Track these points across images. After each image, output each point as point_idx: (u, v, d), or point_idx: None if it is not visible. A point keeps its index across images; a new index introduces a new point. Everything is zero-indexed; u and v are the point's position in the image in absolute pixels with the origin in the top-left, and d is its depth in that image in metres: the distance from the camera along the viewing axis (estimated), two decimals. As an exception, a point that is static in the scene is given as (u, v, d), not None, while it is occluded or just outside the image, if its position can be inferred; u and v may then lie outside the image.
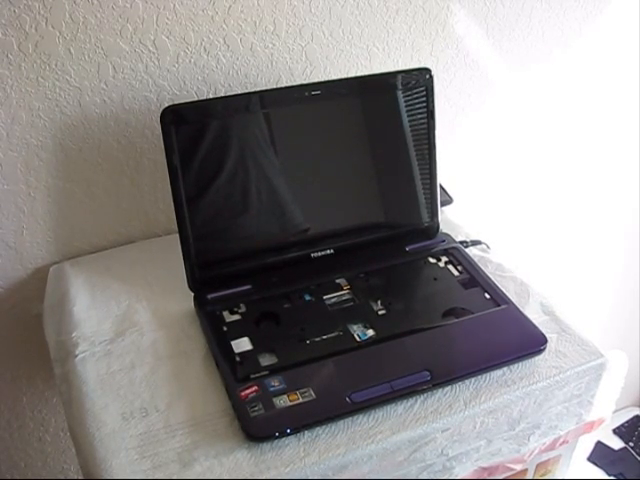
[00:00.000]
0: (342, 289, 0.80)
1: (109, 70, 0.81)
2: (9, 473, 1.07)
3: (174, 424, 0.65)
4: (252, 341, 0.73)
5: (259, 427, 0.63)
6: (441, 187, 0.91)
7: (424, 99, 0.83)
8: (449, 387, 0.69)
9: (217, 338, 0.73)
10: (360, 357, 0.71)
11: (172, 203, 0.76)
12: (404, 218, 0.88)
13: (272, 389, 0.66)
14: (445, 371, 0.69)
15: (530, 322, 0.75)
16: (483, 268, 0.83)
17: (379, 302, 0.78)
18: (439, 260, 0.85)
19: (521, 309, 0.77)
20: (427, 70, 0.83)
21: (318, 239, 0.84)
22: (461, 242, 0.88)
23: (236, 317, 0.76)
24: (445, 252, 0.86)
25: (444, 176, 0.89)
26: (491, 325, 0.75)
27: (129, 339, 0.75)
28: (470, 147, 1.13)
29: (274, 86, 0.90)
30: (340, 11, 0.89)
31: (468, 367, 0.70)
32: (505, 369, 0.71)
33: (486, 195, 1.21)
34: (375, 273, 0.83)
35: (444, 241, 0.87)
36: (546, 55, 1.09)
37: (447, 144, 1.00)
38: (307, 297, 0.79)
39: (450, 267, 0.84)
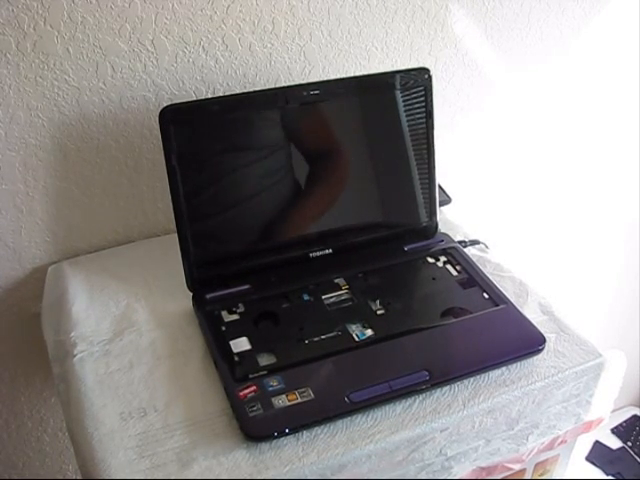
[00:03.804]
0: (341, 289, 0.80)
1: (107, 69, 0.81)
2: (7, 473, 1.07)
3: (173, 424, 0.65)
4: (251, 341, 0.73)
5: (258, 427, 0.63)
6: (439, 187, 0.91)
7: (423, 99, 0.83)
8: (448, 387, 0.69)
9: (216, 338, 0.73)
10: (359, 357, 0.71)
11: (171, 203, 0.76)
12: (403, 218, 0.88)
13: (271, 389, 0.66)
14: (444, 371, 0.69)
15: (529, 322, 0.75)
16: (482, 268, 0.83)
17: (378, 302, 0.78)
18: (438, 260, 0.85)
19: (520, 309, 0.77)
20: (426, 70, 0.83)
21: (317, 239, 0.84)
22: (460, 242, 0.88)
23: (235, 317, 0.76)
24: (444, 252, 0.86)
25: (442, 176, 0.89)
26: (490, 325, 0.75)
27: (127, 339, 0.75)
28: (469, 147, 1.13)
29: (273, 86, 0.90)
30: (339, 11, 0.89)
31: (467, 367, 0.70)
32: (504, 369, 0.71)
33: (485, 195, 1.21)
34: (374, 273, 0.83)
35: (443, 241, 0.87)
36: (545, 55, 1.09)
37: (446, 144, 1.00)
38: (306, 297, 0.79)
39: (449, 267, 0.84)
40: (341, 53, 0.93)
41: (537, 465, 0.82)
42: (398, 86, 0.82)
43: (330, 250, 0.84)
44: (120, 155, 0.87)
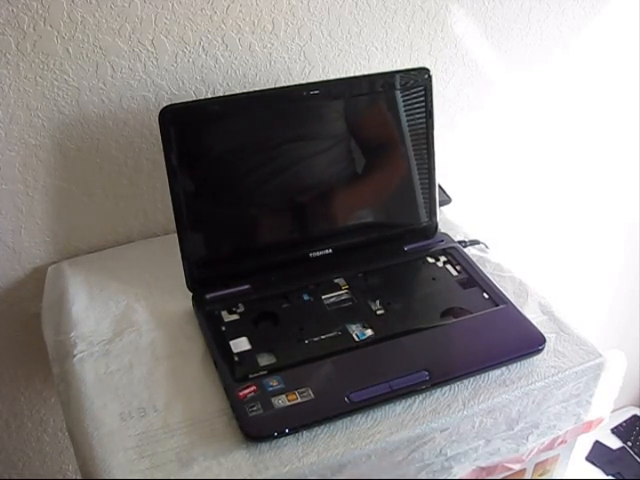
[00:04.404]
0: (341, 289, 0.80)
1: (107, 69, 0.81)
2: (7, 473, 1.07)
3: (172, 424, 0.65)
4: (250, 341, 0.73)
5: (257, 427, 0.63)
6: (439, 187, 0.91)
7: (422, 99, 0.83)
8: (448, 387, 0.69)
9: (215, 338, 0.73)
10: (359, 357, 0.71)
11: (171, 203, 0.76)
12: (403, 218, 0.88)
13: (271, 389, 0.66)
14: (444, 371, 0.69)
15: (529, 322, 0.75)
16: (482, 268, 0.83)
17: (378, 302, 0.78)
18: (437, 260, 0.85)
19: (520, 309, 0.77)
20: (425, 70, 0.83)
21: (317, 239, 0.84)
22: (460, 242, 0.88)
23: (235, 317, 0.76)
24: (444, 252, 0.86)
25: (442, 176, 0.89)
26: (490, 325, 0.75)
27: (127, 339, 0.75)
28: (469, 147, 1.13)
29: (273, 86, 0.90)
30: (339, 11, 0.89)
31: (467, 367, 0.70)
32: (504, 369, 0.71)
33: (485, 195, 1.21)
34: (374, 273, 0.83)
35: (442, 241, 0.87)
36: (545, 55, 1.09)
37: (446, 144, 1.00)
38: (306, 297, 0.79)
39: (449, 267, 0.84)
40: (341, 53, 0.93)
41: (537, 465, 0.82)
42: (398, 86, 0.82)
43: (330, 250, 0.84)
44: (120, 155, 0.87)
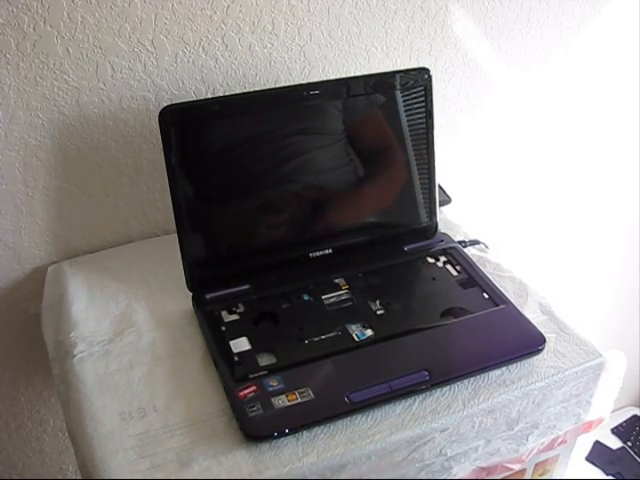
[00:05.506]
0: (341, 289, 0.80)
1: (107, 70, 0.81)
2: (7, 473, 1.07)
3: (172, 424, 0.65)
4: (251, 341, 0.73)
5: (258, 427, 0.63)
6: (439, 187, 0.91)
7: (422, 99, 0.83)
8: (448, 387, 0.69)
9: (215, 338, 0.73)
10: (359, 357, 0.71)
11: (170, 203, 0.76)
12: (403, 218, 0.88)
13: (271, 389, 0.66)
14: (444, 371, 0.69)
15: (529, 322, 0.75)
16: (482, 268, 0.83)
17: (378, 302, 0.78)
18: (437, 260, 0.85)
19: (520, 309, 0.77)
20: (425, 70, 0.83)
21: (317, 239, 0.84)
22: (459, 242, 0.88)
23: (235, 317, 0.76)
24: (444, 252, 0.86)
25: (442, 176, 0.89)
26: (490, 325, 0.75)
27: (127, 339, 0.75)
28: (469, 147, 1.13)
29: (272, 86, 0.90)
30: (339, 11, 0.89)
31: (467, 367, 0.70)
32: (504, 369, 0.71)
33: (485, 195, 1.21)
34: (374, 273, 0.83)
35: (442, 241, 0.87)
36: (545, 55, 1.09)
37: (446, 144, 1.00)
38: (306, 297, 0.79)
39: (449, 267, 0.84)
40: (341, 53, 0.93)
41: (537, 465, 0.82)
42: (398, 86, 0.82)
43: (330, 250, 0.84)
44: (120, 155, 0.87)
